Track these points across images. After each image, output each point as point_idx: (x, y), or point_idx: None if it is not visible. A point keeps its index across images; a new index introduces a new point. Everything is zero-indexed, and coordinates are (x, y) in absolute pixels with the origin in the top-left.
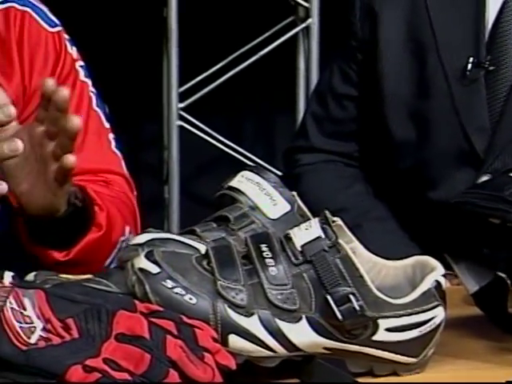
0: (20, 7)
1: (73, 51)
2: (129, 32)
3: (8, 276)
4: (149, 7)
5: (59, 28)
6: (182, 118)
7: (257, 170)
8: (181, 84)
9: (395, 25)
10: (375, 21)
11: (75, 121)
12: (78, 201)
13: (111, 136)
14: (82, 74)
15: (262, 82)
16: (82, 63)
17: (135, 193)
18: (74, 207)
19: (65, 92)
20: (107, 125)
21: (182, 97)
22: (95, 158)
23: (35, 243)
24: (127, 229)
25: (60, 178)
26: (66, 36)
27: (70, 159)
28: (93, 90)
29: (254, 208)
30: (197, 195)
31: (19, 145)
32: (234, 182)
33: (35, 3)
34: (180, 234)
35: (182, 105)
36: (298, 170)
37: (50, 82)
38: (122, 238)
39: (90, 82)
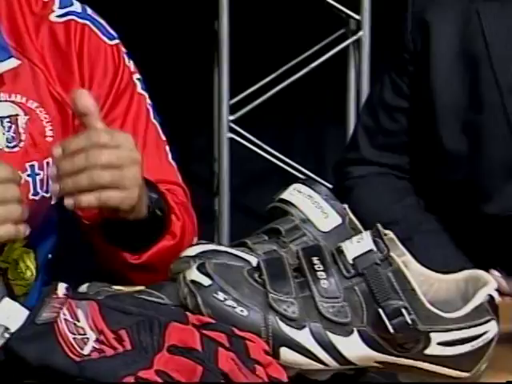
0: (80, 20)
1: (130, 64)
2: (180, 45)
3: (62, 287)
4: (200, 20)
5: (117, 41)
6: (232, 130)
7: (308, 182)
8: (231, 96)
9: (447, 37)
10: (427, 33)
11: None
12: (158, 210)
13: (167, 147)
14: (139, 86)
15: (312, 94)
16: (138, 76)
17: (189, 200)
18: (154, 215)
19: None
20: (163, 137)
21: (233, 109)
22: (155, 170)
23: (109, 243)
24: (195, 239)
25: None
26: (124, 49)
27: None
28: (149, 102)
29: (306, 221)
30: (247, 207)
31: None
32: (285, 195)
33: (94, 16)
34: (231, 246)
35: (232, 117)
36: (349, 183)
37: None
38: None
39: (146, 95)
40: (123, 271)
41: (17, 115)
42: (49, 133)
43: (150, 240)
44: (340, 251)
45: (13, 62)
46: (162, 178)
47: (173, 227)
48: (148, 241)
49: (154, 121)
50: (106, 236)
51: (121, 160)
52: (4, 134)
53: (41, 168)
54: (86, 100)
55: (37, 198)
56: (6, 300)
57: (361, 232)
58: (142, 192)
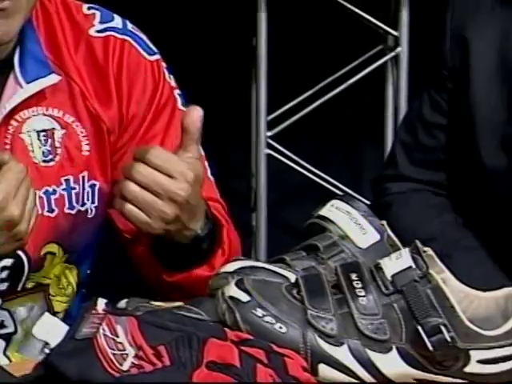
0: (119, 36)
1: (171, 79)
2: (219, 61)
3: (101, 303)
4: (238, 36)
5: (157, 56)
6: (269, 146)
7: (346, 199)
8: (269, 112)
9: (486, 53)
10: (466, 50)
11: None
12: (207, 242)
13: (206, 163)
14: (179, 102)
15: (350, 110)
16: (179, 91)
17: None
18: (199, 245)
19: None
20: (202, 152)
21: (270, 125)
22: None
23: (150, 254)
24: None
25: None
26: (164, 64)
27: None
28: None
29: (344, 237)
30: (284, 223)
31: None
32: (323, 211)
33: (134, 32)
34: (269, 262)
35: (270, 133)
36: (387, 199)
37: None
38: None
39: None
40: (158, 286)
41: (53, 129)
42: (85, 147)
43: (187, 263)
44: (379, 268)
45: (53, 78)
46: (204, 195)
47: (214, 260)
48: (185, 263)
49: None
50: (150, 246)
51: (192, 199)
52: (40, 147)
53: (76, 182)
54: (193, 118)
55: (73, 211)
56: (46, 315)
57: (399, 249)
58: (197, 226)
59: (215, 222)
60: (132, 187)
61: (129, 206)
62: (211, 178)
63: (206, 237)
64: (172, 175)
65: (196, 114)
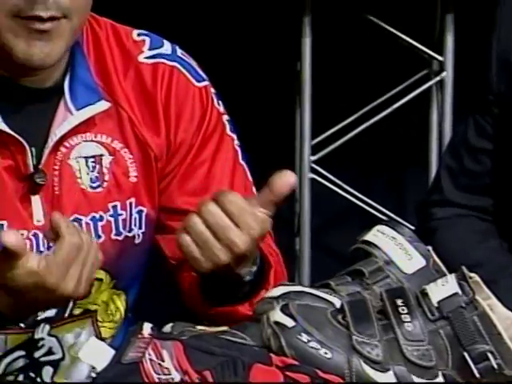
0: (169, 62)
1: (219, 105)
2: (263, 85)
3: (147, 327)
4: (283, 61)
5: (206, 83)
6: (313, 170)
7: (391, 224)
8: (313, 137)
9: None
10: None
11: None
12: (251, 285)
13: (254, 189)
14: (228, 128)
15: (394, 134)
16: (227, 117)
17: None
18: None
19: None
20: (250, 178)
21: (315, 149)
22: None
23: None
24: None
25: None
26: (213, 90)
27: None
28: (238, 143)
29: (389, 262)
30: (327, 247)
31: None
32: (368, 236)
33: (184, 58)
34: (314, 287)
35: (314, 157)
36: (433, 224)
37: None
38: None
39: (235, 136)
40: (201, 314)
41: (101, 155)
42: (132, 173)
43: (229, 300)
44: (424, 294)
45: (103, 105)
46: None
47: (256, 300)
48: (227, 300)
49: (242, 162)
50: (194, 277)
51: (249, 252)
52: (88, 174)
53: (123, 208)
54: (286, 183)
55: (120, 238)
56: (93, 339)
57: (445, 274)
58: (243, 271)
59: (264, 265)
60: (197, 223)
61: (187, 239)
62: None
63: (249, 281)
64: (239, 225)
65: (289, 180)
